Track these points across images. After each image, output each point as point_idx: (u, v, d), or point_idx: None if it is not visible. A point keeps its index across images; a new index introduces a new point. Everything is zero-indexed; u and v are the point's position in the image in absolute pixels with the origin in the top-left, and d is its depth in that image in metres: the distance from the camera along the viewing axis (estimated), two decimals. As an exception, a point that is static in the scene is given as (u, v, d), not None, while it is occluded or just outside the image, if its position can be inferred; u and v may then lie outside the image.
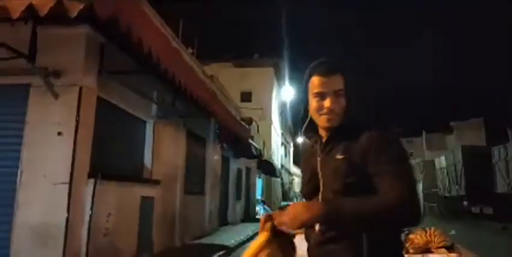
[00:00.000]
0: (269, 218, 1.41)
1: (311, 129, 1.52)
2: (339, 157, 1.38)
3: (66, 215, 4.52)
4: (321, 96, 1.41)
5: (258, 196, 21.71)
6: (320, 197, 1.41)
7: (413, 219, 1.25)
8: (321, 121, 1.43)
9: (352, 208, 1.21)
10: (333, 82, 1.40)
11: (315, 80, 1.42)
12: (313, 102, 1.43)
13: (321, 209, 1.22)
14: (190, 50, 11.38)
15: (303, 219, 1.22)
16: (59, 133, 4.71)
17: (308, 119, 1.50)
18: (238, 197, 15.84)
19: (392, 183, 1.25)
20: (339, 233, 1.31)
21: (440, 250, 2.88)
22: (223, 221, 13.09)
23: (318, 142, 1.50)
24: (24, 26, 4.80)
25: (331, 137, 1.45)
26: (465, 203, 19.42)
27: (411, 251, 2.81)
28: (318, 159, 1.47)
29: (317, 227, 1.40)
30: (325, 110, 1.40)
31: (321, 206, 1.24)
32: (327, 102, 1.40)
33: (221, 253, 7.50)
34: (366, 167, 1.32)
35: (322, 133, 1.49)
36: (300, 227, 1.26)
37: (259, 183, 22.48)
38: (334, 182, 1.37)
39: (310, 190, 1.48)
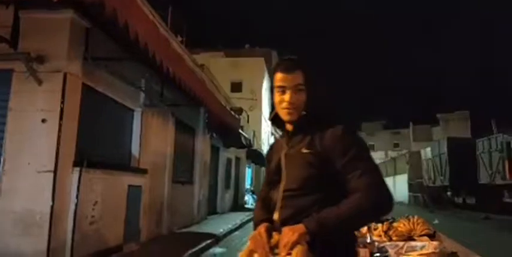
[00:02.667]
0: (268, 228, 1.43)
1: (278, 122, 1.59)
2: (304, 150, 1.45)
3: (51, 203, 4.48)
4: (282, 90, 1.50)
5: (247, 186, 21.80)
6: (282, 187, 1.48)
7: (390, 207, 1.37)
8: (282, 114, 1.52)
9: (333, 217, 1.31)
10: (293, 78, 1.49)
11: (278, 75, 1.51)
12: (276, 97, 1.52)
13: (304, 228, 1.30)
14: (179, 38, 11.24)
15: (294, 240, 1.28)
16: (43, 120, 4.63)
17: (274, 112, 1.58)
18: (227, 187, 15.89)
19: (367, 179, 1.35)
20: (302, 219, 1.35)
21: (422, 237, 2.92)
22: (212, 210, 13.14)
23: (285, 136, 1.58)
24: (6, 10, 4.69)
25: (296, 131, 1.53)
26: (449, 193, 19.80)
27: (394, 238, 2.85)
28: (283, 152, 1.54)
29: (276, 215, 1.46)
30: (284, 104, 1.49)
31: (304, 226, 1.30)
32: (286, 96, 1.48)
33: (209, 241, 7.53)
34: (333, 161, 1.40)
35: (288, 126, 1.56)
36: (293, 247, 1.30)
37: (248, 173, 22.57)
38: (298, 174, 1.45)
39: (274, 179, 1.55)
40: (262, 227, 1.44)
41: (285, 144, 1.55)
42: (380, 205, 1.36)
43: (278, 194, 1.48)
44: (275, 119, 1.59)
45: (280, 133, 1.62)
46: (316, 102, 1.52)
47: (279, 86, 1.50)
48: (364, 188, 1.33)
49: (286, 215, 1.43)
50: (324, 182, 1.41)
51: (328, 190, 1.40)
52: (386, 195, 1.36)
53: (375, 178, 1.37)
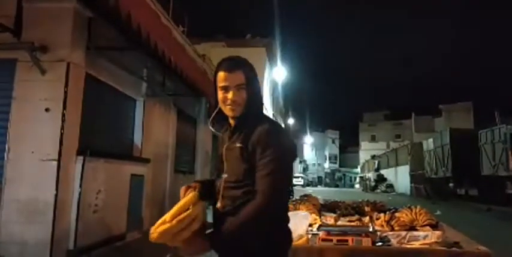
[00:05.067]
0: (190, 187, 1.66)
1: (222, 118, 1.71)
2: (237, 145, 1.60)
3: (54, 191, 4.51)
4: (225, 89, 1.61)
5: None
6: (224, 179, 1.64)
7: (279, 214, 1.56)
8: (226, 111, 1.65)
9: (228, 232, 1.49)
10: (236, 77, 1.60)
11: (221, 75, 1.62)
12: (219, 95, 1.64)
13: (207, 245, 1.54)
14: (181, 28, 11.18)
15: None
16: (47, 109, 4.64)
17: (217, 109, 1.69)
18: (228, 177, 15.91)
19: (263, 184, 1.49)
20: (238, 205, 1.55)
21: (425, 227, 2.94)
22: (213, 200, 13.17)
23: (228, 130, 1.70)
24: (9, 0, 4.68)
25: (236, 127, 1.66)
26: (451, 184, 19.80)
27: (397, 228, 2.87)
28: (225, 146, 1.69)
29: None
30: (229, 102, 1.61)
31: (206, 244, 1.54)
32: (230, 95, 1.60)
33: (209, 231, 7.57)
34: (255, 156, 1.54)
35: (231, 122, 1.69)
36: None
37: (249, 163, 22.57)
38: (234, 167, 1.61)
39: (220, 169, 1.71)
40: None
41: (227, 138, 1.69)
42: (265, 214, 1.48)
43: (221, 184, 1.65)
44: (217, 115, 1.71)
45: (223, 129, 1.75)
46: (254, 101, 1.64)
47: (222, 86, 1.61)
48: (260, 192, 1.48)
49: (225, 204, 1.62)
50: (253, 175, 1.53)
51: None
52: (272, 203, 1.49)
53: (275, 183, 1.49)
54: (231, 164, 1.62)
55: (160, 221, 1.52)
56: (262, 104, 1.72)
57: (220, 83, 1.62)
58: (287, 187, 1.62)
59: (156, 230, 1.51)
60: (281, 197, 1.55)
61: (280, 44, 32.69)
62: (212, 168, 12.92)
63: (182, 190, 1.65)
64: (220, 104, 1.65)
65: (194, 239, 1.54)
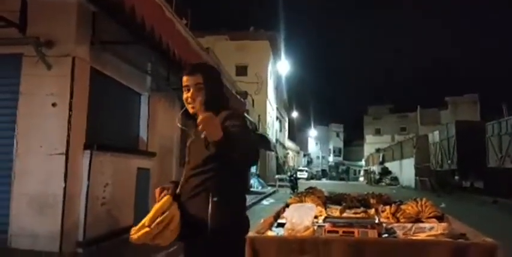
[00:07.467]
0: (164, 188, 1.85)
1: (191, 116, 1.89)
2: (202, 136, 1.71)
3: (63, 185, 4.56)
4: (187, 89, 1.87)
5: (253, 169, 21.92)
6: (186, 168, 1.86)
7: (253, 159, 1.77)
8: (188, 109, 1.88)
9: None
10: (194, 78, 1.87)
11: (184, 78, 1.90)
12: (183, 95, 1.88)
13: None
14: (184, 21, 11.16)
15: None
16: (53, 104, 4.68)
17: (184, 108, 1.93)
18: (233, 170, 15.91)
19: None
20: (198, 192, 1.79)
21: (430, 219, 2.94)
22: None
23: (194, 126, 1.85)
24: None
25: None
26: (456, 177, 19.76)
27: (402, 220, 2.87)
28: (190, 140, 1.91)
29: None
30: (189, 100, 1.86)
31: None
32: (190, 94, 1.86)
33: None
34: None
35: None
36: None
37: (254, 157, 22.57)
38: (198, 157, 1.81)
39: (185, 161, 1.92)
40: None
41: (192, 133, 1.90)
42: (246, 155, 1.69)
43: (184, 174, 1.86)
44: (185, 113, 1.92)
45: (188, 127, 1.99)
46: (213, 100, 1.86)
47: (185, 85, 1.87)
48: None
49: (183, 190, 1.83)
50: (217, 162, 1.74)
51: (218, 170, 1.74)
52: (252, 151, 1.73)
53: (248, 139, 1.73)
54: (194, 153, 1.84)
55: (140, 224, 1.66)
56: (223, 103, 1.92)
57: (183, 83, 1.88)
58: (255, 150, 1.77)
59: (136, 234, 1.64)
60: (255, 152, 1.73)
61: (284, 37, 32.53)
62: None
63: (157, 191, 1.83)
64: (185, 104, 1.89)
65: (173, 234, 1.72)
